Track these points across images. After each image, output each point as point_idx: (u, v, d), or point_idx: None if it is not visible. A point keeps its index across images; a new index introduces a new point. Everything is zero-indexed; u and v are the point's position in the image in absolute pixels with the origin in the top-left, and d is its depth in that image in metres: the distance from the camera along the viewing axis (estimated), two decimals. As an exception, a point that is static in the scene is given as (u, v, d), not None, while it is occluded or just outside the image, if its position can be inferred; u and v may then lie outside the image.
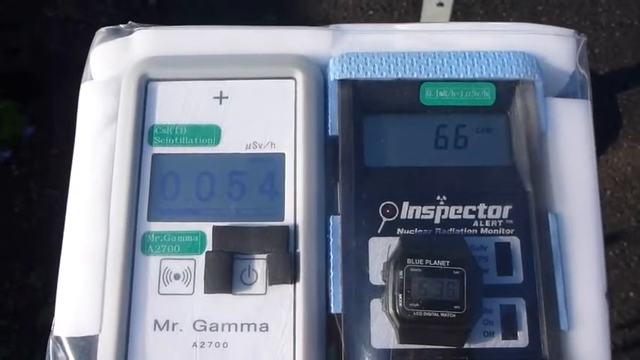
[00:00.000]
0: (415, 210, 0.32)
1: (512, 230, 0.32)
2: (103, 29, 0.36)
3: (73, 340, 0.31)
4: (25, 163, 1.17)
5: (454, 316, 0.28)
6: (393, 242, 0.31)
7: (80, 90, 0.35)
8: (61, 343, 0.31)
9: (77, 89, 0.36)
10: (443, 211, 0.32)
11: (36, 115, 1.18)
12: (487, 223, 0.32)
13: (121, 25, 0.36)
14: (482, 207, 0.32)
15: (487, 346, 0.30)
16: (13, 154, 1.16)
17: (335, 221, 0.32)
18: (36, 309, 1.06)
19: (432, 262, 0.29)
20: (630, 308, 1.10)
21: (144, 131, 0.34)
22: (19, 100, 1.16)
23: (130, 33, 0.36)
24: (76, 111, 0.35)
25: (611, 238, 1.12)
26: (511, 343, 0.30)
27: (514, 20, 1.25)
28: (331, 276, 0.31)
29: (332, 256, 0.32)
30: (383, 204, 0.32)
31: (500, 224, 0.32)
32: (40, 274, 1.09)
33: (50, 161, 1.16)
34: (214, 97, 0.34)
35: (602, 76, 1.22)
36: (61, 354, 0.31)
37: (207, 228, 0.32)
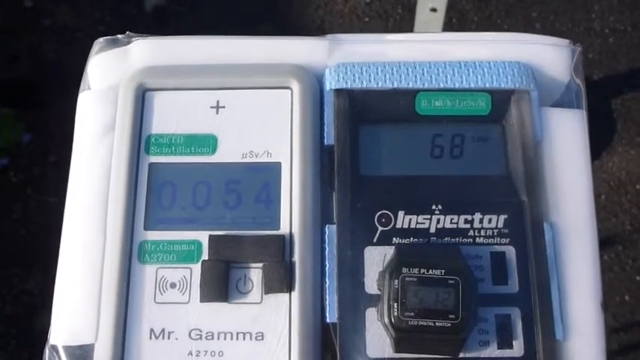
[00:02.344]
0: (411, 219, 0.32)
1: (508, 239, 0.32)
2: (101, 39, 0.36)
3: (69, 349, 0.31)
4: (23, 170, 1.17)
5: (449, 325, 0.28)
6: (389, 251, 0.31)
7: (78, 99, 0.36)
8: (57, 351, 0.31)
9: (74, 96, 0.36)
10: (438, 221, 0.32)
11: (34, 123, 1.18)
12: (482, 233, 0.32)
13: (119, 36, 0.36)
14: (477, 216, 0.32)
15: (482, 356, 0.30)
16: (11, 160, 1.16)
17: (330, 230, 0.32)
18: (34, 315, 1.06)
19: (428, 272, 0.29)
20: (625, 312, 1.10)
21: (141, 140, 0.34)
22: (16, 108, 1.17)
23: (128, 43, 0.36)
24: (73, 118, 0.35)
25: (606, 242, 1.13)
26: (506, 353, 0.30)
27: (508, 27, 1.25)
28: (327, 285, 0.31)
29: (327, 265, 0.32)
30: (378, 213, 0.32)
31: (495, 233, 0.32)
32: (38, 280, 1.09)
33: (48, 168, 1.16)
34: (211, 107, 0.34)
35: (596, 81, 1.23)
36: (56, 362, 0.31)
37: (203, 237, 0.32)
